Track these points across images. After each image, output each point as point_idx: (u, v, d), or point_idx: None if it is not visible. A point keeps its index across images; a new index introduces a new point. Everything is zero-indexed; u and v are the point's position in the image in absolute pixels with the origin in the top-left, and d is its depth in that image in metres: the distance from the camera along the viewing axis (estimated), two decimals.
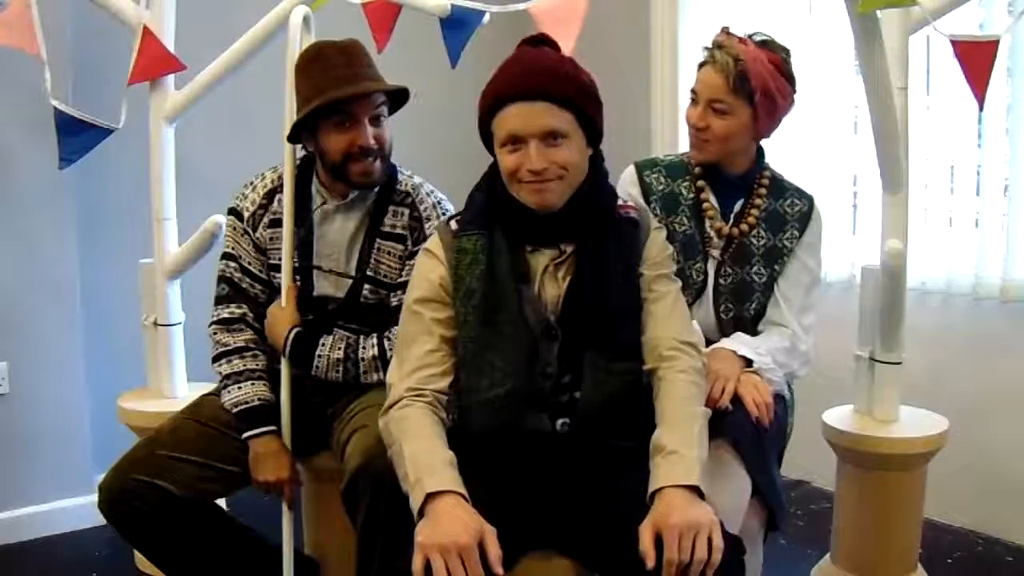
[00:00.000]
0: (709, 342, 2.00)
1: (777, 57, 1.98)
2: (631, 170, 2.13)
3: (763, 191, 2.08)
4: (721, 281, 2.06)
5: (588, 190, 1.70)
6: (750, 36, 2.00)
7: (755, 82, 1.94)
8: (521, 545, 1.62)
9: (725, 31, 2.01)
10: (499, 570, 1.42)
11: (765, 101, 1.96)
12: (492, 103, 1.66)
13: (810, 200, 2.11)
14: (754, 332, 2.06)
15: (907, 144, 2.34)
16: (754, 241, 2.07)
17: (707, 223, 2.07)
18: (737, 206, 2.09)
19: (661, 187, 2.09)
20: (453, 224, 1.76)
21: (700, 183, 2.08)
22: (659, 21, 3.46)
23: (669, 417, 1.61)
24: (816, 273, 2.11)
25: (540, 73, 1.64)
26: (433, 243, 1.76)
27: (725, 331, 2.05)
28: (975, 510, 2.87)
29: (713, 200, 2.08)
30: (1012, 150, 2.73)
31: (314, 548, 2.28)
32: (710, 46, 2.00)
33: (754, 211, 2.07)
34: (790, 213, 2.08)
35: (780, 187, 2.11)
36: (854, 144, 3.09)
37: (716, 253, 2.07)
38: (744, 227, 2.06)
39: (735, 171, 2.07)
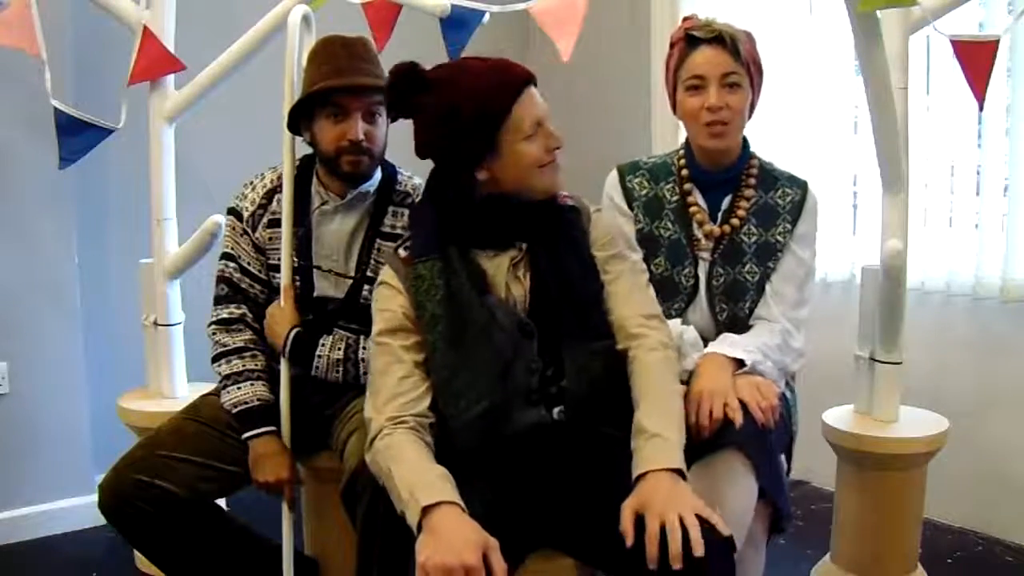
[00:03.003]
0: (707, 342, 1.97)
1: (745, 31, 1.97)
2: (613, 175, 2.08)
3: (752, 182, 2.02)
4: (714, 282, 2.01)
5: None
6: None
7: (746, 53, 1.93)
8: (521, 548, 1.62)
9: (691, 18, 1.99)
10: None
11: (756, 72, 1.97)
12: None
13: (803, 187, 2.03)
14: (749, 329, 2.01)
15: (907, 144, 2.34)
16: (745, 239, 2.00)
17: (695, 226, 2.01)
18: (725, 203, 2.01)
19: (644, 191, 2.04)
20: (403, 252, 1.76)
21: (687, 185, 2.02)
22: (659, 21, 3.46)
23: (646, 397, 1.63)
24: (810, 265, 2.04)
25: None
26: (387, 274, 1.75)
27: (722, 331, 2.01)
28: (975, 510, 2.87)
29: (700, 201, 2.02)
30: (1012, 150, 2.72)
31: (314, 548, 2.28)
32: (695, 32, 1.94)
33: (744, 203, 2.00)
34: (782, 205, 2.00)
35: (771, 177, 2.03)
36: (854, 144, 3.08)
37: (706, 255, 2.01)
38: (735, 222, 1.99)
39: (724, 164, 2.00)
